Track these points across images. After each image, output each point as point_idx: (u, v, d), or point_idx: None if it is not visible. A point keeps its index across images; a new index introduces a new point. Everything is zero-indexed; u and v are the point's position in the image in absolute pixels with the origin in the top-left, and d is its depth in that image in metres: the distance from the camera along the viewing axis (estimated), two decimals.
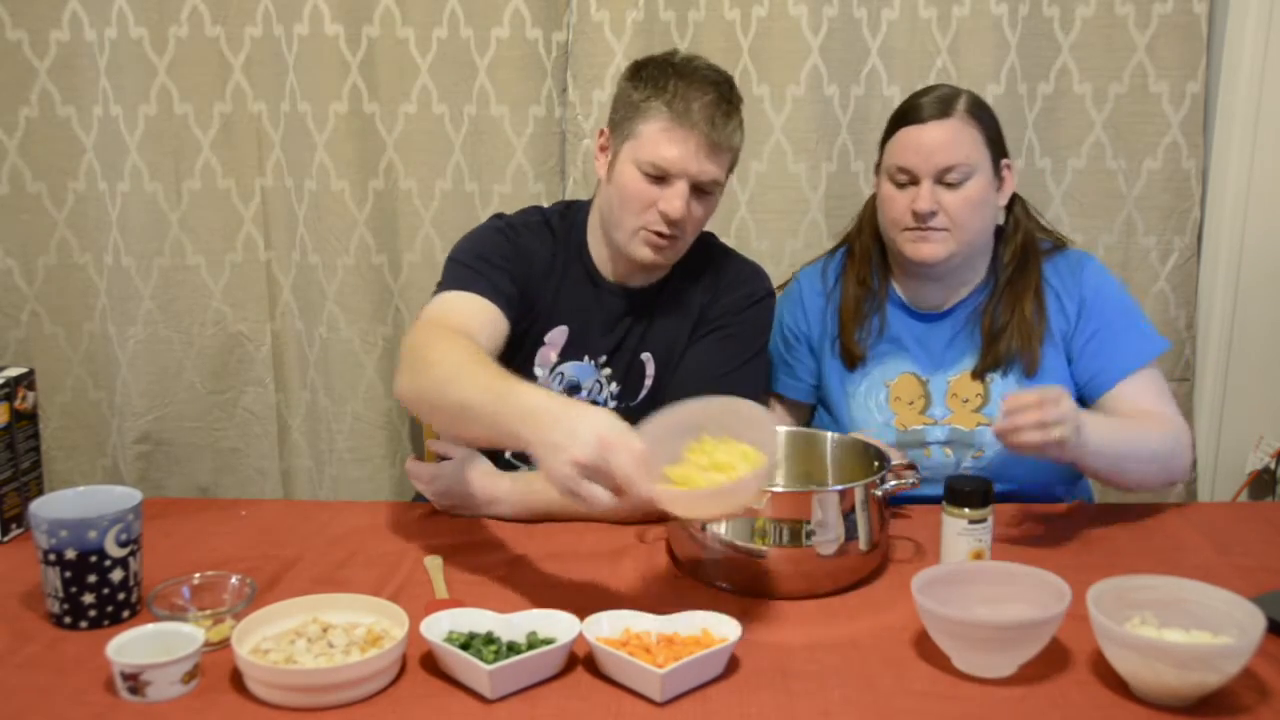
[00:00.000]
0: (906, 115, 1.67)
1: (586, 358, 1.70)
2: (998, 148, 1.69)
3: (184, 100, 2.12)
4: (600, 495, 1.17)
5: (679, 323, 1.71)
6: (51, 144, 2.14)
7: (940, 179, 1.63)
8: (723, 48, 2.10)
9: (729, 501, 1.22)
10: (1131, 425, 1.60)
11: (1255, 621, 1.10)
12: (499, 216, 1.75)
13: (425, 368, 1.39)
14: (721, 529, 1.35)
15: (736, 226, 2.17)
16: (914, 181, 1.64)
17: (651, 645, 1.16)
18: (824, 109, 2.10)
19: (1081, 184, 2.16)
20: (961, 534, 1.35)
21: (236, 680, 1.14)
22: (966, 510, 1.34)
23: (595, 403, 1.68)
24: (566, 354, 1.69)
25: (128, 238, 2.16)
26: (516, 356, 1.65)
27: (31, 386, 1.56)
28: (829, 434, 1.58)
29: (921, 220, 1.63)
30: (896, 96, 2.11)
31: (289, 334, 2.24)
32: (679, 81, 1.56)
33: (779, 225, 2.16)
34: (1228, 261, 2.16)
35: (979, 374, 1.70)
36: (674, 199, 1.56)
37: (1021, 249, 1.72)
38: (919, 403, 1.72)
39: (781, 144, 2.13)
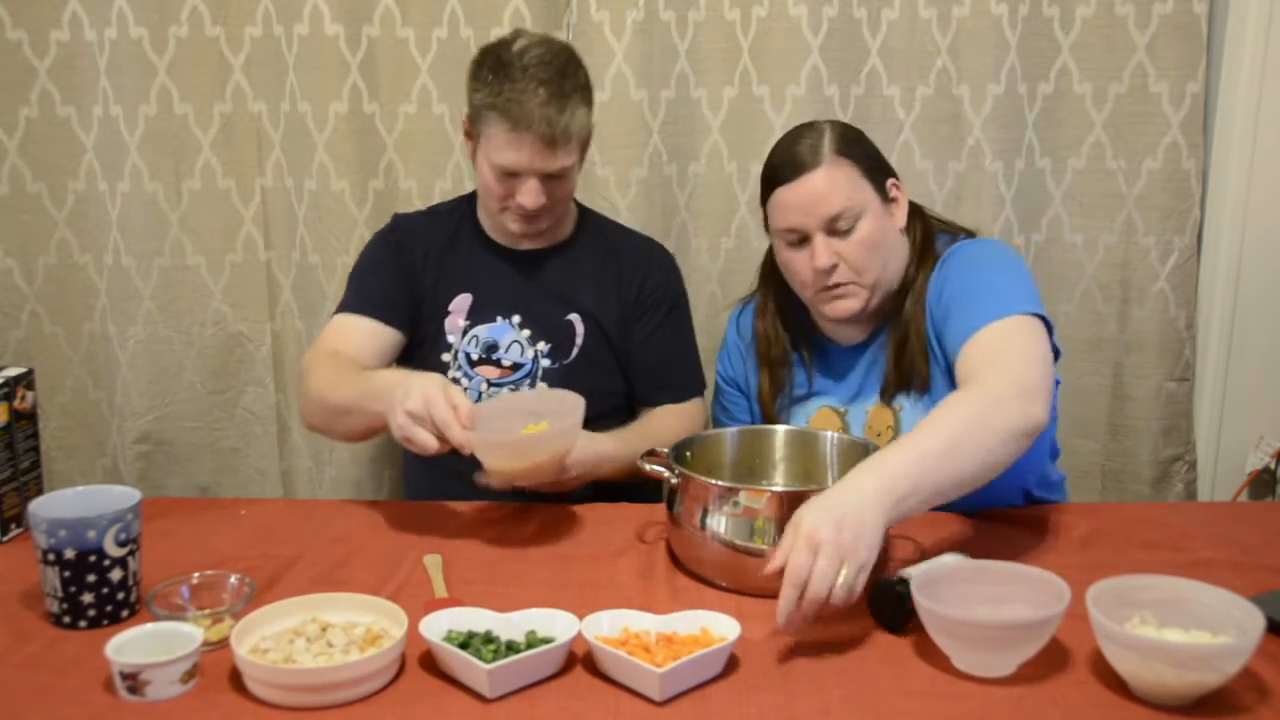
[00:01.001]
0: (776, 175, 1.59)
1: (499, 318, 1.79)
2: (878, 173, 1.61)
3: (184, 100, 2.13)
4: (427, 440, 1.39)
5: (602, 292, 1.82)
6: (51, 144, 2.14)
7: (830, 230, 1.56)
8: (723, 48, 2.10)
9: (521, 453, 1.45)
10: (923, 437, 1.30)
11: (1255, 621, 1.10)
12: (395, 217, 1.89)
13: (306, 395, 1.67)
14: (721, 528, 1.35)
15: (737, 226, 2.18)
16: (805, 239, 1.58)
17: (650, 644, 1.16)
18: (824, 109, 2.10)
19: (1081, 184, 2.16)
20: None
21: (235, 680, 1.14)
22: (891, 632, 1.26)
23: (517, 365, 1.78)
24: (476, 317, 1.79)
25: (128, 238, 2.16)
26: (426, 330, 1.79)
27: (31, 386, 1.55)
28: (829, 434, 1.58)
29: (826, 278, 1.58)
30: (896, 96, 2.12)
31: (289, 334, 2.24)
32: (509, 85, 1.62)
33: None
34: (1228, 261, 2.16)
35: (887, 398, 1.63)
36: (527, 194, 1.67)
37: (919, 262, 1.63)
38: None
39: None
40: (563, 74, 1.64)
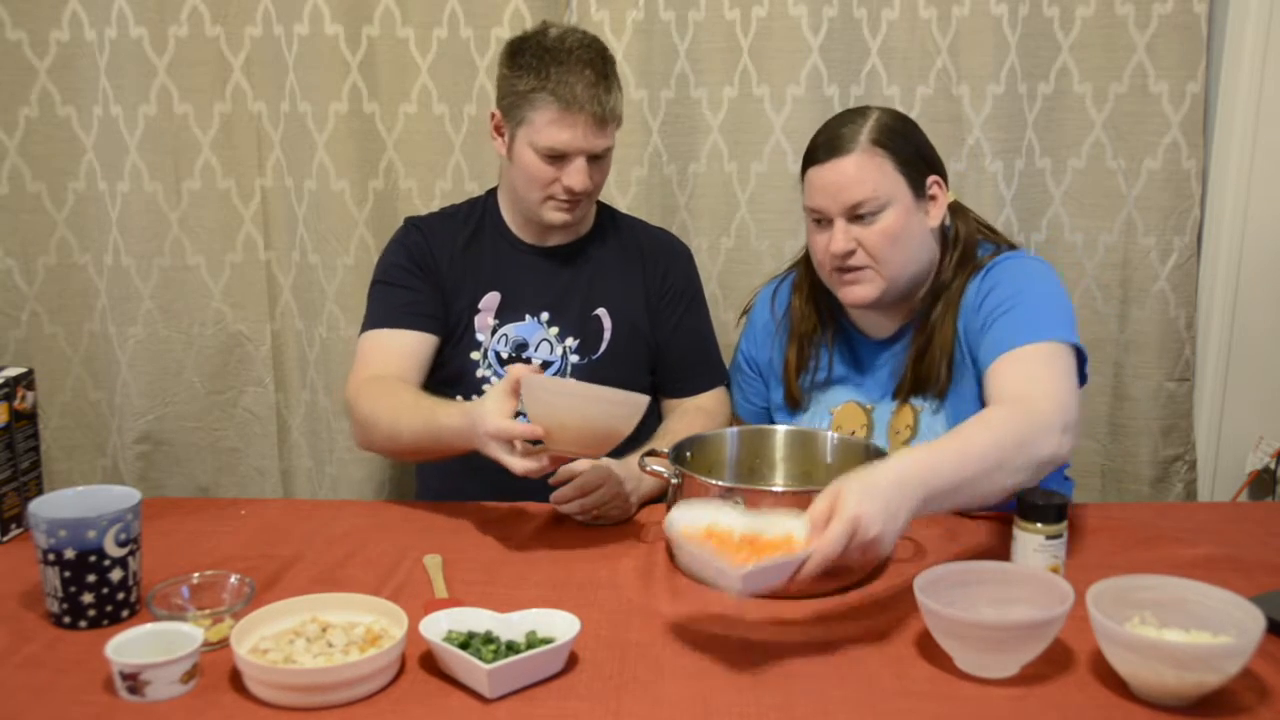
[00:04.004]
0: (810, 155, 1.61)
1: (528, 316, 1.79)
2: (916, 169, 1.58)
3: (184, 100, 2.13)
4: (514, 463, 1.40)
5: (626, 286, 1.83)
6: (51, 144, 2.14)
7: (851, 216, 1.56)
8: (723, 48, 2.11)
9: (557, 402, 1.38)
10: (969, 443, 1.31)
11: (1255, 621, 1.10)
12: (408, 220, 1.87)
13: (370, 427, 1.65)
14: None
15: (737, 226, 2.18)
16: (828, 221, 1.58)
17: (734, 542, 1.18)
18: (824, 109, 2.10)
19: (1081, 184, 2.16)
20: (1038, 550, 1.32)
21: (235, 680, 1.14)
22: (1040, 526, 1.31)
23: (547, 363, 1.78)
24: (505, 316, 1.79)
25: (128, 238, 2.16)
26: (456, 329, 1.78)
27: (31, 386, 1.55)
28: (829, 434, 1.58)
29: (841, 261, 1.58)
30: (896, 96, 2.12)
31: (289, 334, 2.24)
32: (557, 68, 1.64)
33: (779, 225, 2.16)
34: (1228, 261, 2.16)
35: (902, 398, 1.64)
36: (575, 175, 1.68)
37: (957, 265, 1.62)
38: (861, 433, 1.67)
39: (781, 144, 2.13)
40: (603, 57, 1.69)
